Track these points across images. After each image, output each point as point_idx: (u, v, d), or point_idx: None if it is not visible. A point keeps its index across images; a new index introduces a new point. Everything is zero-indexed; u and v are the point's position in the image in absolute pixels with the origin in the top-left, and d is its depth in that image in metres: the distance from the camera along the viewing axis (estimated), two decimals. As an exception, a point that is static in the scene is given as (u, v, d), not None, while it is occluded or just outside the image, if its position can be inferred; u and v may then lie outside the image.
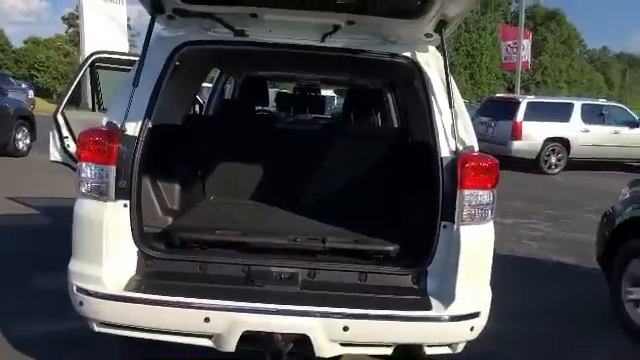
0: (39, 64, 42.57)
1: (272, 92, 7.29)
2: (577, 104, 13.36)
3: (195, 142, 3.42)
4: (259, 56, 3.45)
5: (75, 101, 5.12)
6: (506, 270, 4.35)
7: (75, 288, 2.42)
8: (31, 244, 4.93)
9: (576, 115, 13.03)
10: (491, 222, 2.53)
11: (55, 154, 4.37)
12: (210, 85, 5.73)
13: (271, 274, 2.49)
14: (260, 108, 5.41)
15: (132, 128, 2.51)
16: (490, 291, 2.52)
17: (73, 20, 42.14)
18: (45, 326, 3.31)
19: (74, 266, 2.46)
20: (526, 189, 10.06)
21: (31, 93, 22.19)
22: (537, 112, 12.71)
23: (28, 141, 10.82)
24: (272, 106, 7.09)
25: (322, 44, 2.72)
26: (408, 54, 2.72)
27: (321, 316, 2.30)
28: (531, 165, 12.57)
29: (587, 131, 12.92)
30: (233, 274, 2.51)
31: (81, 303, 2.41)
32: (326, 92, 12.52)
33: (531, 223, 7.39)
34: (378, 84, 5.21)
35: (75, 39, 35.46)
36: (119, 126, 2.49)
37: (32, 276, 4.07)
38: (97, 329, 2.44)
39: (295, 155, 3.49)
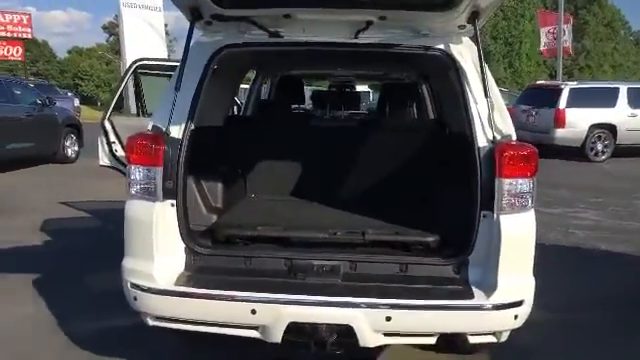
0: (82, 73, 44.16)
1: (308, 90, 7.35)
2: (623, 88, 12.87)
3: (235, 142, 3.52)
4: (294, 55, 3.52)
5: (118, 107, 5.34)
6: (552, 259, 4.32)
7: (129, 284, 2.55)
8: (83, 244, 5.18)
9: (622, 100, 12.57)
10: (532, 210, 2.51)
11: (104, 159, 4.58)
12: (247, 86, 5.84)
13: (312, 267, 2.55)
14: (296, 106, 5.49)
15: (176, 131, 2.62)
16: (534, 280, 2.50)
17: (113, 29, 43.50)
18: (100, 323, 3.48)
19: (127, 263, 2.59)
20: (572, 177, 9.81)
21: (77, 101, 23.05)
22: (581, 98, 12.33)
23: (76, 148, 11.30)
24: (308, 104, 7.17)
25: (355, 40, 2.75)
26: (441, 46, 2.72)
27: (364, 307, 2.34)
28: (576, 153, 12.22)
29: (634, 116, 12.45)
30: (276, 268, 2.58)
31: (135, 298, 2.54)
32: (361, 87, 12.50)
33: (578, 212, 7.21)
34: (412, 77, 5.20)
35: (116, 47, 36.61)
36: (164, 129, 2.60)
37: (85, 275, 4.28)
38: (151, 323, 2.56)
39: (332, 151, 3.54)
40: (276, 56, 3.64)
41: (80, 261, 4.68)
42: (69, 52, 49.68)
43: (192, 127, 2.67)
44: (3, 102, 9.58)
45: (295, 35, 2.78)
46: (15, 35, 25.29)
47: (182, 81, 2.63)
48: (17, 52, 25.17)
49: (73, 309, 3.74)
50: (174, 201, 2.58)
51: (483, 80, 2.58)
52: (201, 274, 2.58)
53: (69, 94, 25.29)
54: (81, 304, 3.82)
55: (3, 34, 24.76)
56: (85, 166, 9.36)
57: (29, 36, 27.32)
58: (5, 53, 24.78)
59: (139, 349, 3.11)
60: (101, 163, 4.59)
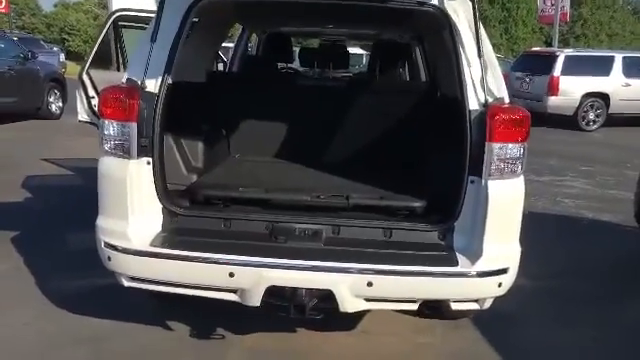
0: (70, 28, 42.91)
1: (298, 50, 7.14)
2: (618, 57, 12.69)
3: (218, 99, 3.38)
4: (279, 10, 3.35)
5: (104, 62, 5.12)
6: (539, 228, 4.30)
7: (103, 244, 2.46)
8: (63, 202, 5.08)
9: (617, 69, 12.41)
10: (521, 177, 2.44)
11: (83, 114, 4.41)
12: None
13: (294, 230, 2.48)
14: (284, 65, 5.31)
15: (152, 85, 2.48)
16: (519, 248, 2.46)
17: (101, -18, 42.11)
18: (78, 281, 3.42)
19: (101, 222, 2.50)
20: (563, 146, 9.77)
21: (62, 56, 22.46)
22: (575, 66, 12.16)
23: (60, 104, 11.02)
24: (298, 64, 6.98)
25: None
26: (436, 2, 2.58)
27: (345, 272, 2.29)
28: (568, 122, 12.15)
29: (628, 85, 12.33)
30: (257, 231, 2.51)
31: (109, 258, 2.45)
32: (354, 50, 12.24)
33: (567, 180, 7.19)
34: (405, 37, 5.03)
35: (103, 1, 35.52)
36: (139, 83, 2.46)
37: (65, 233, 4.19)
38: (126, 284, 2.49)
39: (319, 111, 3.42)
40: (259, 9, 3.46)
41: (61, 219, 4.59)
42: (55, 5, 48.11)
43: (169, 81, 2.52)
44: (-17, 55, 9.26)
45: None
46: (-1, -14, 24.37)
47: (158, 32, 2.47)
48: (1, 4, 24.32)
49: (52, 266, 3.67)
50: (150, 159, 2.47)
51: (477, 40, 2.45)
52: (178, 235, 2.50)
53: (54, 48, 24.56)
54: (60, 262, 3.76)
55: (-15, -16, 23.85)
56: (69, 122, 9.11)
57: (13, -13, 26.38)
58: (-12, 4, 23.94)
59: (117, 308, 3.05)
60: (80, 119, 4.43)
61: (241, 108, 3.49)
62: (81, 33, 42.91)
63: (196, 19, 2.78)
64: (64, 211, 4.79)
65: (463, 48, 2.50)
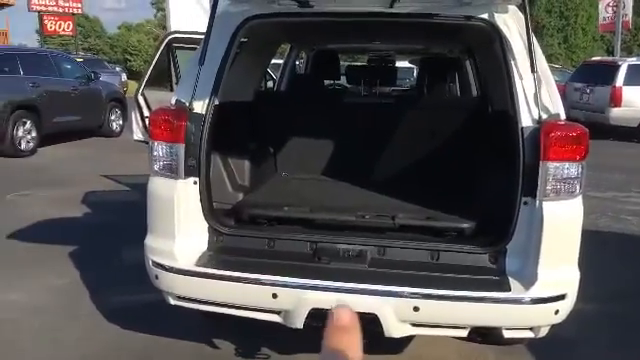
0: (132, 48, 44.98)
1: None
2: (686, 65, 11.96)
3: (265, 118, 3.40)
4: (326, 27, 3.34)
5: (162, 82, 5.29)
6: (601, 248, 4.06)
7: (151, 262, 2.50)
8: (120, 218, 5.25)
9: (685, 78, 11.69)
10: (579, 198, 2.29)
11: (138, 134, 4.56)
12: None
13: (338, 251, 2.43)
14: (332, 82, 5.30)
15: (199, 106, 2.52)
16: (578, 272, 2.30)
17: (161, 4, 43.95)
18: (130, 297, 3.50)
19: (149, 241, 2.54)
20: (626, 160, 9.24)
21: (124, 76, 23.48)
22: (639, 76, 11.55)
23: (121, 122, 11.50)
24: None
25: (390, 10, 2.56)
26: (485, 16, 2.50)
27: (390, 295, 2.21)
28: (632, 134, 11.51)
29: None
30: (300, 251, 2.48)
31: (156, 277, 2.49)
32: (402, 64, 12.14)
33: (631, 197, 6.78)
34: (455, 51, 4.92)
35: (163, 22, 37.06)
36: (187, 104, 2.51)
37: (120, 249, 4.31)
38: (173, 302, 2.51)
39: (366, 129, 3.38)
40: (307, 28, 3.47)
41: (117, 234, 4.73)
42: (119, 27, 50.65)
43: (216, 102, 2.56)
44: (50, 76, 9.80)
45: (326, 5, 2.61)
46: (66, 10, 25.89)
47: (207, 54, 2.52)
48: (68, 27, 25.80)
49: (106, 282, 3.79)
50: (197, 179, 2.50)
51: (530, 53, 2.35)
52: (223, 254, 2.51)
53: (117, 69, 25.80)
54: (114, 277, 3.87)
55: (55, 9, 25.38)
56: (128, 140, 9.48)
57: (79, 11, 27.91)
58: (57, 28, 25.45)
59: (166, 324, 3.09)
60: (135, 138, 4.58)
61: (288, 126, 3.49)
62: (142, 53, 44.86)
63: (244, 39, 2.80)
64: (120, 227, 4.94)
65: (515, 62, 2.40)
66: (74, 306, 3.45)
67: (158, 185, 2.51)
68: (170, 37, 4.58)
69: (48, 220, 5.14)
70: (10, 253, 4.30)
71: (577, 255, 2.30)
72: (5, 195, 6.15)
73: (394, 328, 2.23)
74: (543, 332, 2.30)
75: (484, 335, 2.75)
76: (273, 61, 4.98)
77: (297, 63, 5.89)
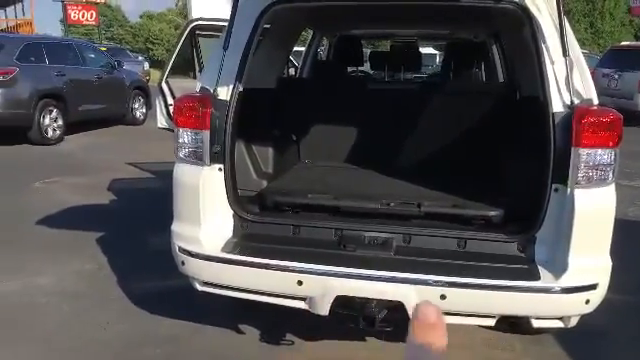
0: (153, 37, 45.24)
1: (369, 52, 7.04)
2: None
3: (288, 105, 3.39)
4: (349, 12, 3.30)
5: (185, 70, 5.29)
6: (631, 238, 3.95)
7: (177, 248, 2.53)
8: (145, 205, 5.32)
9: None
10: (612, 185, 2.24)
11: (162, 121, 4.58)
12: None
13: (364, 239, 2.42)
14: (355, 69, 5.25)
15: (224, 92, 2.52)
16: (610, 261, 2.25)
17: (182, -8, 44.06)
18: (156, 283, 3.55)
19: (176, 227, 2.57)
20: (656, 148, 8.99)
21: (146, 65, 23.69)
22: (670, 61, 11.21)
23: (144, 110, 11.62)
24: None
25: None
26: None
27: (417, 283, 2.20)
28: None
29: None
30: (325, 238, 2.47)
31: (183, 263, 2.52)
32: (426, 50, 11.95)
33: (662, 185, 6.61)
34: (481, 36, 4.82)
35: (184, 11, 37.16)
36: (212, 91, 2.51)
37: (146, 235, 4.37)
38: (200, 288, 2.54)
39: (390, 116, 3.34)
40: (330, 13, 3.43)
41: (143, 221, 4.79)
42: (140, 16, 50.93)
43: (240, 89, 2.55)
44: (75, 65, 9.93)
45: None
46: (89, 0, 26.14)
47: (230, 40, 2.51)
48: (91, 16, 26.04)
49: (133, 267, 3.85)
50: (222, 165, 2.51)
51: (562, 36, 2.28)
52: (248, 241, 2.52)
53: (140, 58, 26.00)
54: (141, 263, 3.93)
55: (78, -1, 25.65)
56: (152, 128, 9.56)
57: (102, 0, 28.19)
58: (80, 17, 25.71)
59: (192, 309, 3.13)
60: (159, 125, 4.60)
61: (311, 113, 3.47)
62: (164, 42, 45.08)
63: (267, 25, 2.78)
64: (146, 213, 5.01)
65: (546, 45, 2.33)
66: (103, 291, 3.52)
67: (184, 172, 2.52)
68: (193, 24, 4.57)
69: (75, 207, 5.24)
70: (39, 239, 4.39)
71: (609, 244, 2.25)
72: (34, 182, 6.27)
73: (420, 316, 2.21)
74: (573, 322, 2.27)
75: (512, 324, 2.72)
76: (294, 48, 4.96)
77: (319, 51, 5.84)
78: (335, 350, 2.85)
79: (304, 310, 2.36)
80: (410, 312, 2.19)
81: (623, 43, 16.60)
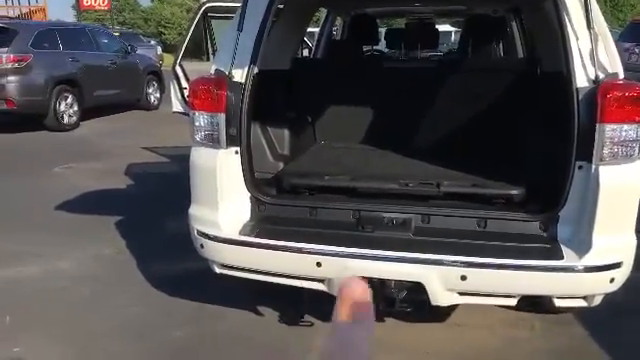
0: (165, 21, 45.16)
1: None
2: None
3: (303, 86, 3.35)
4: None
5: (199, 53, 5.25)
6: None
7: (195, 231, 2.53)
8: (162, 189, 5.35)
9: None
10: (638, 161, 2.18)
11: (177, 105, 4.54)
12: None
13: (382, 219, 2.40)
14: (370, 48, 5.17)
15: (239, 74, 2.49)
16: (635, 239, 2.21)
17: (193, -25, 43.75)
18: (175, 266, 3.57)
19: (194, 210, 2.57)
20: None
21: (159, 49, 23.66)
22: (695, 33, 10.88)
23: (158, 94, 11.63)
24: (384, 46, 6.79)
25: None
26: None
27: (436, 264, 2.17)
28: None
29: None
30: (343, 219, 2.45)
31: (202, 246, 2.52)
32: (443, 28, 11.75)
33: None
34: (500, 11, 4.71)
35: (195, -6, 36.93)
36: (227, 73, 2.48)
37: (163, 219, 4.40)
38: (218, 271, 2.54)
39: (407, 95, 3.29)
40: None
41: (160, 204, 4.83)
42: (152, 1, 50.82)
43: (255, 70, 2.52)
44: (89, 50, 9.95)
45: None
46: (100, -15, 26.13)
47: (244, 21, 2.47)
48: (103, 2, 26.08)
49: (151, 251, 3.88)
50: (238, 148, 2.49)
51: (586, 8, 2.20)
52: (266, 224, 2.51)
53: (152, 42, 25.98)
54: (159, 246, 3.96)
55: (90, -16, 25.64)
56: (166, 113, 9.56)
57: (114, -15, 28.20)
58: (92, 3, 25.78)
59: (211, 292, 3.15)
60: (174, 110, 4.57)
61: (327, 94, 3.43)
62: (176, 26, 44.98)
63: (281, 5, 2.74)
64: (162, 197, 5.04)
65: (569, 18, 2.26)
66: (123, 274, 3.55)
67: (200, 155, 2.51)
68: (206, 6, 4.52)
69: (93, 191, 5.29)
70: (59, 224, 4.44)
71: (634, 221, 2.20)
72: (52, 168, 6.34)
73: (441, 296, 2.20)
74: (597, 301, 2.23)
75: (534, 304, 2.69)
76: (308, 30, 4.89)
77: (333, 31, 5.76)
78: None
79: (323, 292, 2.36)
80: (430, 293, 2.18)
81: (644, 16, 16.14)
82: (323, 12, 5.29)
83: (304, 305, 2.76)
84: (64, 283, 3.45)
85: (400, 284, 2.22)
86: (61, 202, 4.85)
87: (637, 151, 2.16)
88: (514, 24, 4.61)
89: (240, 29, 2.47)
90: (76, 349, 2.76)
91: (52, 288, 3.38)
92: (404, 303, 2.26)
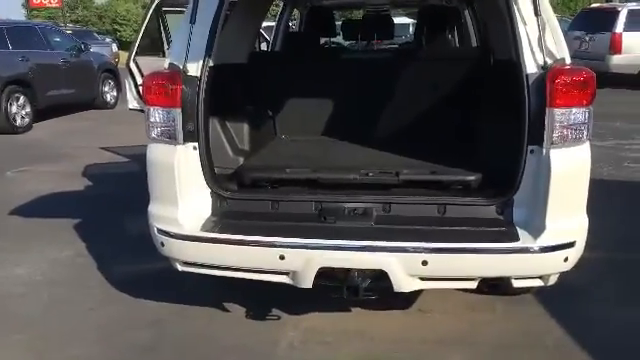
0: (120, 18, 44.01)
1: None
2: (687, 8, 11.70)
3: (261, 79, 3.33)
4: None
5: (154, 49, 5.15)
6: (606, 196, 4.03)
7: (155, 230, 2.49)
8: (121, 189, 5.23)
9: (686, 21, 11.45)
10: (587, 143, 2.26)
11: (133, 102, 4.47)
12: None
13: (343, 210, 2.41)
14: (328, 40, 5.17)
15: (194, 68, 2.45)
16: (587, 219, 2.29)
17: (147, -29, 42.74)
18: (137, 266, 3.50)
19: (153, 209, 2.53)
20: (628, 108, 9.16)
21: (115, 47, 23.03)
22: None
23: (115, 93, 11.34)
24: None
25: None
26: None
27: (398, 251, 2.21)
28: (633, 81, 11.36)
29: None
30: (305, 212, 2.46)
31: (162, 244, 2.48)
32: (399, 20, 11.86)
33: (634, 144, 6.74)
34: (453, 1, 4.78)
35: (150, -10, 36.06)
36: (181, 67, 2.44)
37: (123, 219, 4.30)
38: (180, 269, 2.51)
39: (365, 86, 3.31)
40: None
41: (119, 205, 4.71)
42: (106, -3, 49.43)
43: (211, 64, 2.49)
44: (40, 49, 9.61)
45: None
46: (51, -19, 25.26)
47: (197, 13, 2.43)
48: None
49: (112, 252, 3.79)
50: (196, 144, 2.46)
51: (533, -5, 2.26)
52: (228, 219, 2.49)
53: (107, 40, 25.25)
54: (120, 247, 3.87)
55: (39, -19, 24.75)
56: (124, 111, 9.37)
57: (64, -18, 27.27)
58: (43, 0, 24.88)
59: (175, 291, 3.10)
60: (130, 107, 4.50)
61: (285, 87, 3.42)
62: (131, 23, 43.84)
63: None
64: (122, 197, 4.91)
65: (517, 5, 2.31)
66: (82, 278, 3.46)
67: (157, 152, 2.47)
68: (158, 0, 4.44)
69: (49, 195, 5.12)
70: (13, 228, 4.30)
71: (585, 202, 2.28)
72: (5, 172, 6.11)
73: (403, 283, 2.23)
74: (552, 280, 2.31)
75: (493, 286, 2.76)
76: (264, 24, 4.85)
77: (290, 24, 5.74)
78: (326, 321, 2.86)
79: (288, 284, 2.36)
80: (393, 280, 2.21)
81: (593, 5, 16.71)
82: (280, 4, 5.25)
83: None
84: (21, 289, 3.34)
85: (363, 273, 2.24)
86: (15, 207, 4.69)
87: (586, 134, 2.24)
88: (467, 13, 4.70)
89: (193, 21, 2.43)
90: (36, 355, 2.68)
91: (9, 294, 3.26)
92: (368, 291, 2.28)
